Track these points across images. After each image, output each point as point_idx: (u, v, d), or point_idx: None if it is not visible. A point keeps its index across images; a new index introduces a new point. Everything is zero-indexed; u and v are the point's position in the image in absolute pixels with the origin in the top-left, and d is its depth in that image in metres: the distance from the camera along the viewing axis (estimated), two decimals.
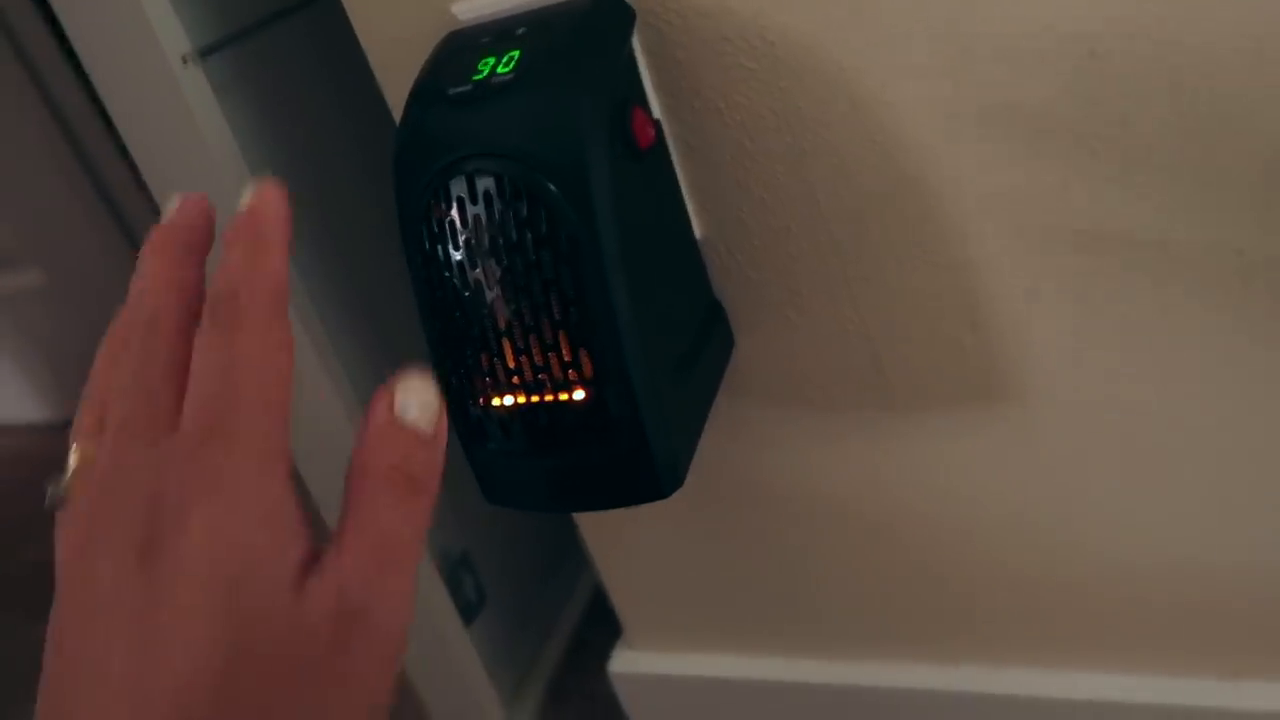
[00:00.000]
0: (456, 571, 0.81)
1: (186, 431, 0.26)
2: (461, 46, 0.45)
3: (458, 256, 0.42)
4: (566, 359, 0.42)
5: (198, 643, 0.23)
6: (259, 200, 0.29)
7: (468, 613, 0.82)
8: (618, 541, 0.71)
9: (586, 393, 0.43)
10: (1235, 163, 0.43)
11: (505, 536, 0.90)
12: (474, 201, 0.42)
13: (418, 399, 0.28)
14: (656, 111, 0.48)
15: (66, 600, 0.26)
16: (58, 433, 1.88)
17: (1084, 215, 0.46)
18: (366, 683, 0.25)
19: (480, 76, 0.43)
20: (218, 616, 0.23)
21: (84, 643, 0.25)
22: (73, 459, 0.28)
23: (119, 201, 1.58)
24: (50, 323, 1.73)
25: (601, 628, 0.85)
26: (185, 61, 0.54)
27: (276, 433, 0.26)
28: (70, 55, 1.46)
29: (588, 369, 0.42)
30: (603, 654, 0.79)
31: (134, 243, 1.60)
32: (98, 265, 1.62)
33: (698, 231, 0.52)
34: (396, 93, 0.54)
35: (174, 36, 0.54)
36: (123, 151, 1.57)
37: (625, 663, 0.77)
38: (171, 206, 0.31)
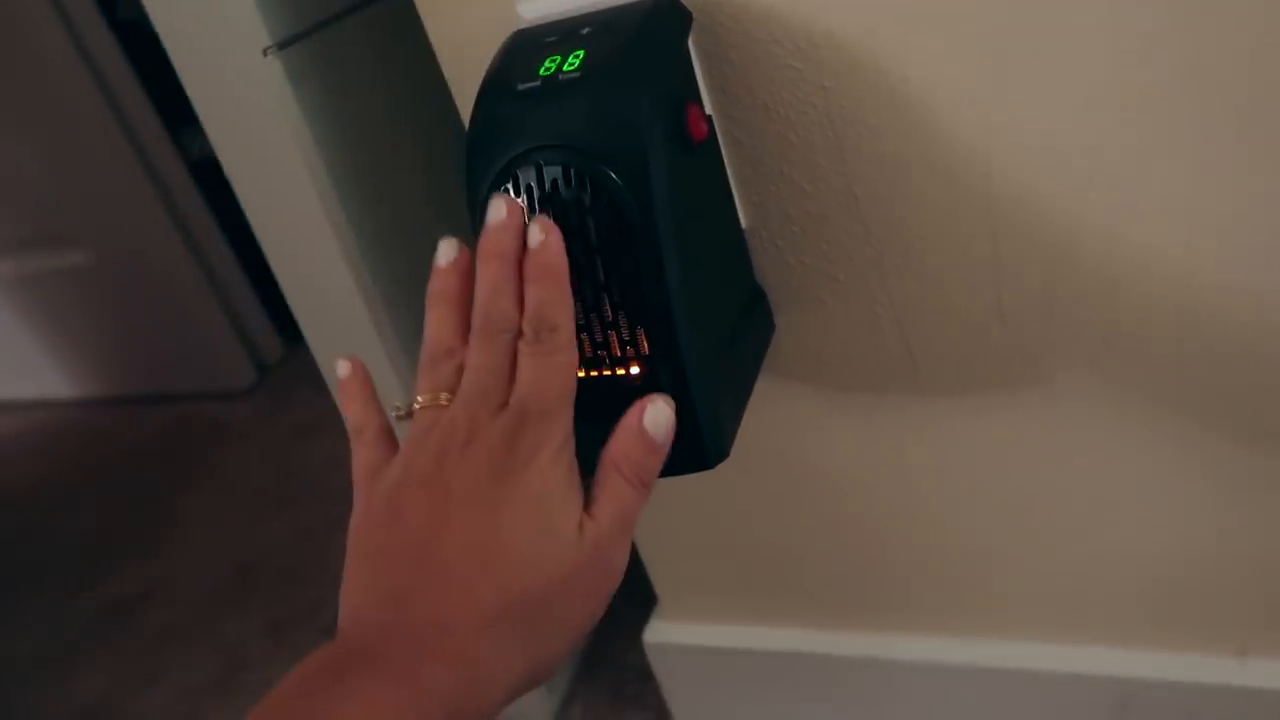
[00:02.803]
0: None
1: (516, 410, 0.39)
2: (528, 44, 0.48)
3: None
4: (625, 337, 0.46)
5: (519, 548, 0.36)
6: (550, 240, 0.42)
7: None
8: (656, 514, 0.74)
9: (641, 368, 0.46)
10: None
11: None
12: (541, 189, 0.45)
13: (661, 417, 0.41)
14: (709, 108, 0.52)
15: (415, 490, 0.38)
16: (102, 408, 1.93)
17: (1105, 214, 0.49)
18: (600, 593, 0.38)
19: (547, 73, 0.46)
20: (534, 532, 0.36)
21: (433, 529, 0.36)
22: (423, 397, 0.41)
23: (168, 185, 1.63)
24: (98, 301, 1.78)
25: (633, 597, 0.88)
26: (265, 54, 0.58)
27: (569, 424, 0.40)
28: (121, 39, 1.50)
29: (644, 346, 0.45)
30: (636, 624, 0.83)
31: (180, 226, 1.65)
32: (145, 246, 1.67)
33: (743, 220, 0.56)
34: (462, 87, 0.58)
35: (256, 30, 0.58)
36: (174, 136, 1.62)
37: (659, 633, 0.81)
38: (497, 217, 0.42)
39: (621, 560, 0.39)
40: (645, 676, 0.87)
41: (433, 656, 0.33)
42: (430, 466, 0.38)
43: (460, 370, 0.42)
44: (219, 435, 1.72)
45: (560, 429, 0.39)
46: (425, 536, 0.36)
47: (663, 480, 0.44)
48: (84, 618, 1.33)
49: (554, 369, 0.40)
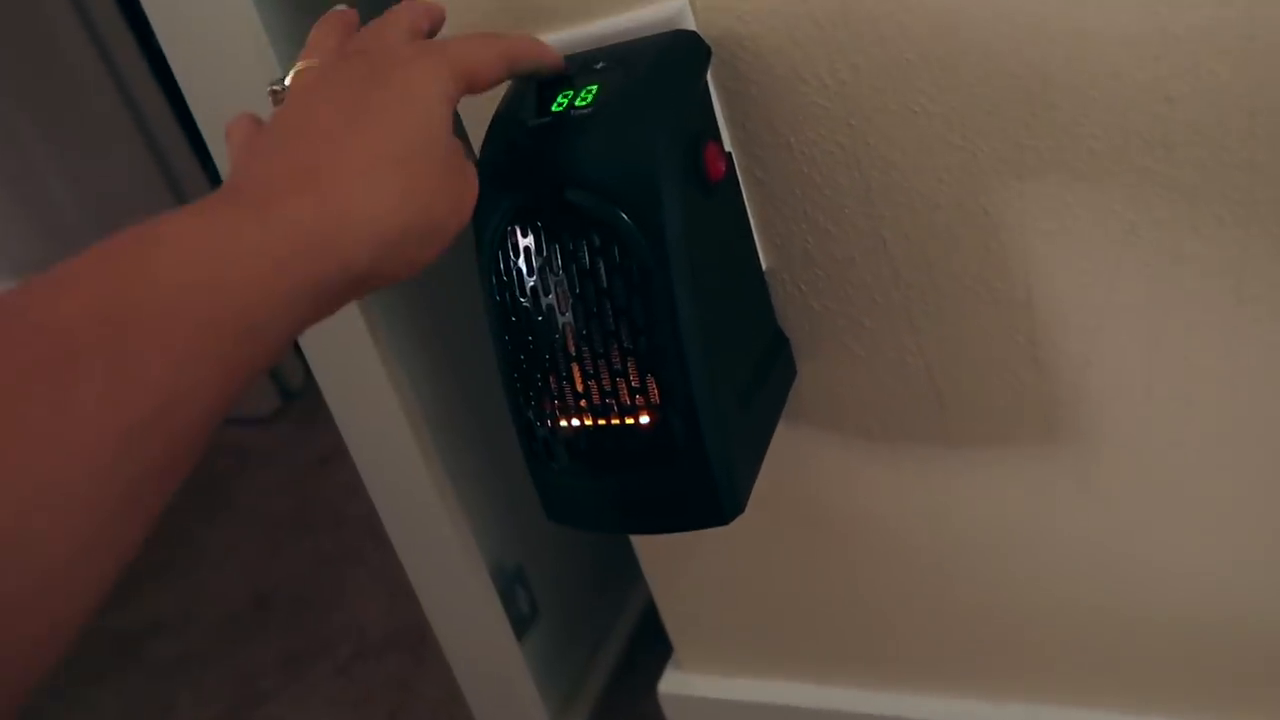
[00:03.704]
0: (511, 585, 0.83)
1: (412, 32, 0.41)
2: (543, 78, 0.47)
3: (532, 282, 0.44)
4: (634, 384, 0.43)
5: (395, 117, 0.36)
6: None
7: (520, 626, 0.83)
8: (672, 563, 0.72)
9: (652, 418, 0.44)
10: None
11: (560, 552, 0.91)
12: (550, 229, 0.43)
13: None
14: (728, 145, 0.49)
15: (312, 82, 0.39)
16: None
17: (1149, 257, 0.46)
18: (466, 188, 0.39)
19: (559, 108, 0.44)
20: (414, 113, 0.37)
21: (309, 105, 0.37)
22: (298, 65, 0.41)
23: (186, 193, 1.65)
24: None
25: (651, 647, 0.85)
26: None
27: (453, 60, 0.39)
28: (151, 62, 1.52)
29: (654, 395, 0.43)
30: (651, 673, 0.80)
31: None
32: None
33: (764, 262, 0.53)
34: (474, 119, 0.56)
35: (267, 67, 0.57)
36: (201, 161, 1.63)
37: (674, 684, 0.78)
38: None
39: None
40: None
41: (295, 190, 0.33)
42: (322, 70, 0.39)
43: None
44: (241, 461, 1.71)
45: (447, 56, 0.39)
46: (306, 115, 0.37)
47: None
48: (98, 646, 1.32)
49: (423, 13, 0.42)
